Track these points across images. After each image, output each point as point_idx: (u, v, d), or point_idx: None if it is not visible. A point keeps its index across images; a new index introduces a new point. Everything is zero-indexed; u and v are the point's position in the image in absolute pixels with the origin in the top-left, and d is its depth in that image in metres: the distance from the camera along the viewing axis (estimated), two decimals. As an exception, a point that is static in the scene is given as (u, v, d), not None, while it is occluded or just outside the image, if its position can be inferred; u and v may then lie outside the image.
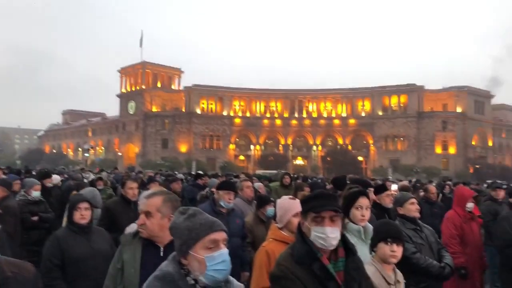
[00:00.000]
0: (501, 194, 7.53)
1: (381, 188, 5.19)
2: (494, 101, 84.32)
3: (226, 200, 5.05)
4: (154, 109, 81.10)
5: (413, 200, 4.58)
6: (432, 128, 74.10)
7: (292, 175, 12.07)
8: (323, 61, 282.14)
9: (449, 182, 14.21)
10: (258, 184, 9.02)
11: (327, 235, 2.32)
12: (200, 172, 14.17)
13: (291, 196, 3.59)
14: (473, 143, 75.89)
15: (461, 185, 10.03)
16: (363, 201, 3.49)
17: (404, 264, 4.03)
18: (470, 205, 5.44)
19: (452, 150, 73.30)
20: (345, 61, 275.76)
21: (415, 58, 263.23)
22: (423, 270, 4.09)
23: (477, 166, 69.13)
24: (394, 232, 3.00)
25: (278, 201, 3.58)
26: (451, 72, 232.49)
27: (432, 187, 8.99)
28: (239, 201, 6.09)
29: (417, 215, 4.52)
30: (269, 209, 5.38)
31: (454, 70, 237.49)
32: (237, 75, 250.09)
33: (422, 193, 9.28)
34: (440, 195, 10.80)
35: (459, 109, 74.94)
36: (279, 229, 3.39)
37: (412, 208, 4.47)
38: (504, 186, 9.39)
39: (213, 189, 6.15)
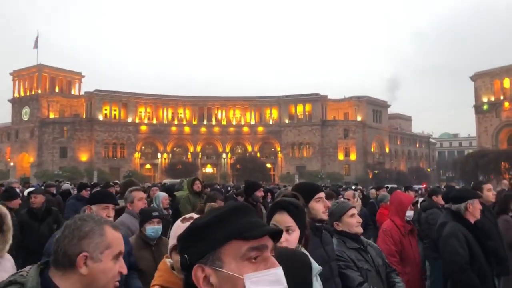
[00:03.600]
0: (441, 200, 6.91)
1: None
2: (390, 110, 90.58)
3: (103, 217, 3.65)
4: (51, 115, 75.35)
5: (353, 210, 3.62)
6: (334, 135, 77.59)
7: (202, 182, 10.57)
8: (230, 68, 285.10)
9: (359, 187, 14.26)
10: (163, 194, 7.14)
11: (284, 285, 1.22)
12: (84, 181, 12.01)
13: (186, 216, 2.27)
14: (372, 149, 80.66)
15: (398, 190, 9.19)
16: (280, 219, 2.39)
17: None
18: (410, 213, 4.64)
19: (353, 156, 77.24)
20: (252, 69, 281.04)
21: (319, 69, 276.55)
22: None
23: (376, 172, 73.51)
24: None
25: (175, 224, 2.27)
26: (351, 82, 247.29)
27: (350, 192, 8.35)
28: (128, 218, 4.79)
29: (360, 230, 3.59)
30: (149, 228, 4.06)
31: (355, 80, 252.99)
32: (142, 81, 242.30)
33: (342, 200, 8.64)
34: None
35: (359, 118, 79.33)
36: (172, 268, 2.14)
37: (353, 222, 3.54)
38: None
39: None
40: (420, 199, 8.80)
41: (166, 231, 4.23)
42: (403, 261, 4.41)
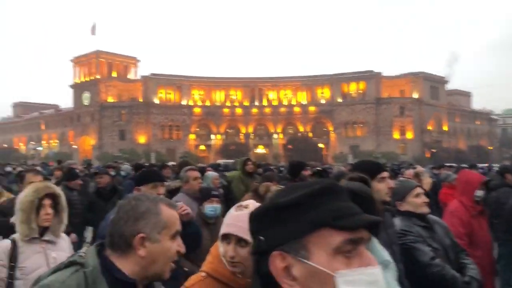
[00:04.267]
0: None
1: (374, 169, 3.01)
2: (448, 86, 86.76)
3: None
4: (110, 99, 78.25)
5: (418, 189, 3.36)
6: (390, 113, 75.35)
7: (254, 162, 9.83)
8: (281, 48, 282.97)
9: (416, 166, 13.63)
10: (213, 174, 6.95)
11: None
12: (142, 162, 11.81)
13: (242, 203, 2.06)
14: (429, 128, 77.75)
15: (466, 169, 8.52)
16: None
17: (417, 275, 3.03)
18: (479, 193, 4.28)
19: (409, 135, 74.86)
20: (304, 48, 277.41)
21: (372, 45, 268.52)
22: (448, 284, 3.02)
23: (433, 150, 70.90)
24: None
25: (229, 212, 2.11)
26: (407, 58, 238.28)
27: (410, 171, 7.81)
28: (183, 198, 4.66)
29: (427, 210, 3.34)
30: (208, 207, 4.03)
31: (410, 55, 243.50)
32: (196, 63, 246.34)
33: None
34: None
35: (415, 95, 76.47)
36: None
37: (418, 202, 3.29)
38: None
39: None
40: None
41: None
42: (473, 244, 4.10)
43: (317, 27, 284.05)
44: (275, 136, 79.52)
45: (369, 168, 2.95)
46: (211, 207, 4.05)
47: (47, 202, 2.96)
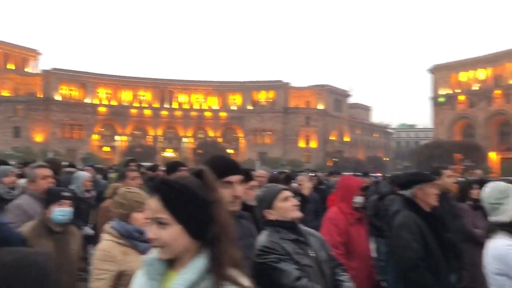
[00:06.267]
0: None
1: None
2: (351, 100, 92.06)
3: None
4: (4, 93, 72.11)
5: (286, 193, 2.93)
6: (296, 123, 78.19)
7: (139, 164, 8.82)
8: (193, 52, 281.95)
9: (319, 174, 13.96)
10: (84, 174, 6.08)
11: None
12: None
13: None
14: (333, 138, 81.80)
15: (348, 175, 8.36)
16: (149, 206, 1.54)
17: None
18: (358, 199, 4.04)
19: (313, 144, 78.17)
20: (215, 54, 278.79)
21: (284, 56, 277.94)
22: None
23: (335, 160, 74.58)
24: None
25: None
26: (316, 71, 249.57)
27: (302, 177, 7.78)
28: (26, 200, 3.95)
29: (297, 214, 2.88)
30: (57, 211, 3.38)
31: (319, 69, 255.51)
32: (103, 61, 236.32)
33: (295, 185, 7.38)
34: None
35: (320, 106, 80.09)
36: None
37: (287, 206, 2.85)
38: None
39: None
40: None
41: (86, 216, 3.83)
42: (350, 254, 3.77)
43: (230, 33, 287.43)
44: (184, 140, 78.55)
45: (218, 167, 2.21)
46: (60, 211, 3.38)
47: None
